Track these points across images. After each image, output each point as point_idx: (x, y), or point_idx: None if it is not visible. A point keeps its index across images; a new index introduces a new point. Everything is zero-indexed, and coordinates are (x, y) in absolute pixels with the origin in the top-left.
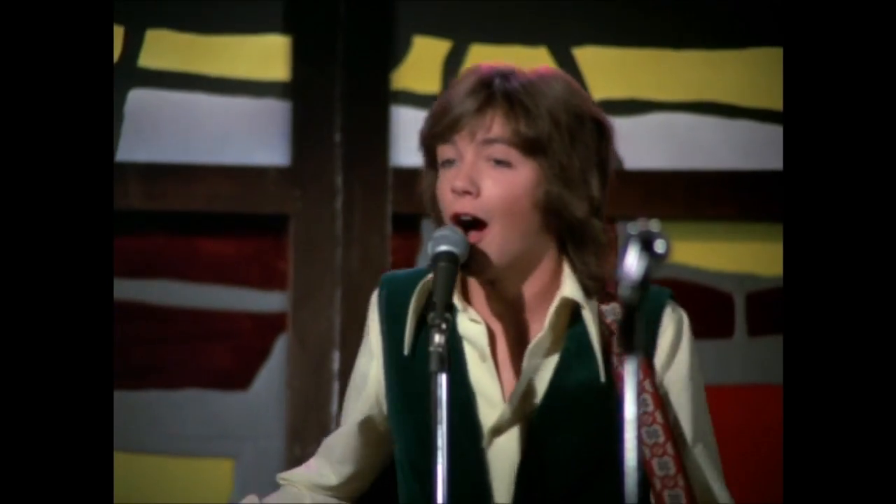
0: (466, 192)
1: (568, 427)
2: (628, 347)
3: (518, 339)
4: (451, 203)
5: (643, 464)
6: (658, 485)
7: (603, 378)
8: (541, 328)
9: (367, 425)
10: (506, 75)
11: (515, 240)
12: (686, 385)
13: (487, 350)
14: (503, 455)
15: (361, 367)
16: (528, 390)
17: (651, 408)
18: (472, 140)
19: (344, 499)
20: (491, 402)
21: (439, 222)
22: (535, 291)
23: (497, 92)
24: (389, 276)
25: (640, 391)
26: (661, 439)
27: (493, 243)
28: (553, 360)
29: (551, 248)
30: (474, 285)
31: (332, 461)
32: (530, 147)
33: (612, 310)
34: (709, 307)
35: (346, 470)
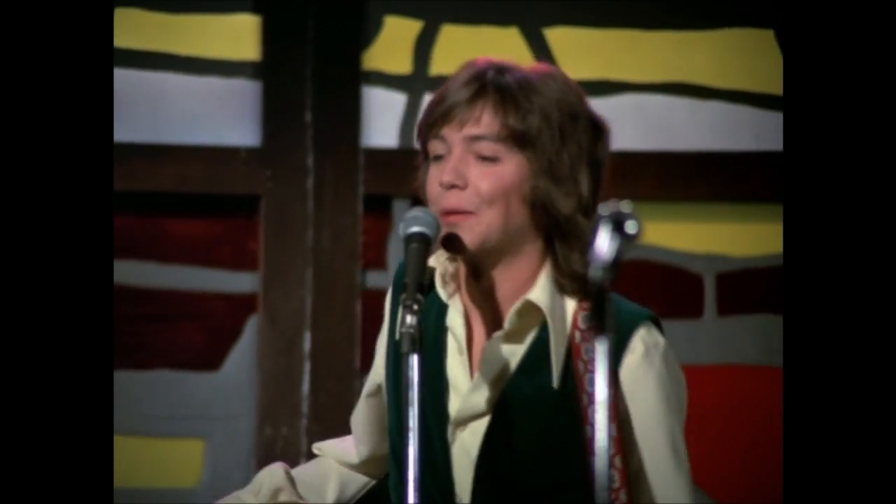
0: (453, 186)
1: (521, 432)
2: (599, 329)
3: (489, 334)
4: (438, 198)
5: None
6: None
7: (556, 385)
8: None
9: (374, 408)
10: (501, 69)
11: (498, 229)
12: (657, 418)
13: (464, 343)
14: (464, 450)
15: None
16: (487, 387)
17: (617, 485)
18: (460, 131)
19: (370, 476)
20: (460, 394)
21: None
22: (512, 285)
23: (489, 84)
24: (402, 260)
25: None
26: (612, 452)
27: (474, 229)
28: (514, 360)
29: (536, 244)
30: (468, 279)
31: (355, 440)
32: (518, 141)
33: (590, 316)
34: (679, 287)
35: (364, 451)
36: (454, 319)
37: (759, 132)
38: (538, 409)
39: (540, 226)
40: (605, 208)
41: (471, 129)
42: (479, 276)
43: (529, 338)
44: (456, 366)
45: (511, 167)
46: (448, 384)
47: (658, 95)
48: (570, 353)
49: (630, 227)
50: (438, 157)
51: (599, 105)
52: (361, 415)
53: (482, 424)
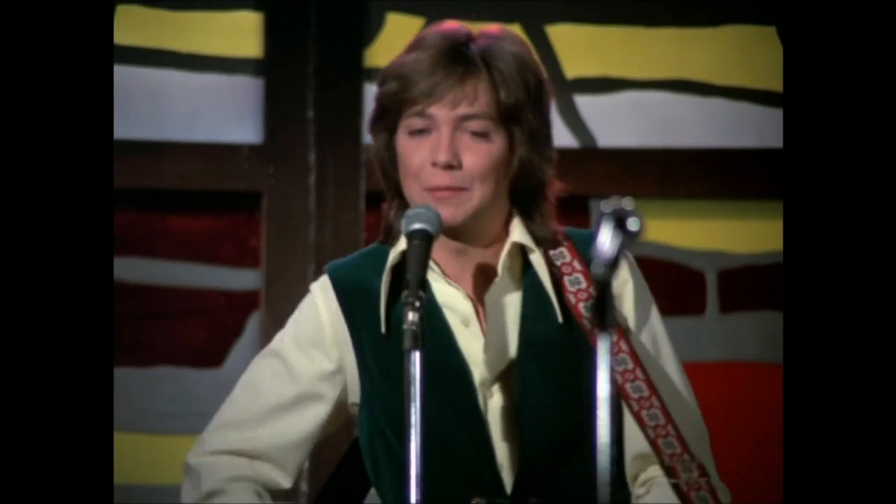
0: (449, 167)
1: (546, 375)
2: (602, 325)
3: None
4: (429, 176)
5: (635, 416)
6: (651, 434)
7: (561, 319)
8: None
9: (312, 419)
10: (473, 38)
11: (487, 202)
12: (647, 321)
13: (471, 312)
14: (498, 412)
15: (303, 367)
16: (501, 344)
17: (631, 365)
18: (453, 110)
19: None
20: (478, 362)
21: (390, 188)
22: (493, 246)
23: (476, 58)
24: (334, 265)
25: (617, 351)
26: (646, 393)
27: (466, 203)
28: (515, 309)
29: (506, 202)
30: (444, 255)
31: (284, 466)
32: (507, 116)
33: (560, 254)
34: (681, 285)
35: (293, 471)
36: (450, 295)
37: (760, 129)
38: (553, 348)
39: (509, 188)
40: (607, 205)
41: (465, 109)
42: (463, 246)
43: (521, 285)
44: (467, 338)
45: (500, 143)
46: (464, 357)
47: (660, 92)
48: (559, 289)
49: (632, 224)
50: (418, 132)
51: (601, 102)
52: (291, 432)
53: (506, 382)
